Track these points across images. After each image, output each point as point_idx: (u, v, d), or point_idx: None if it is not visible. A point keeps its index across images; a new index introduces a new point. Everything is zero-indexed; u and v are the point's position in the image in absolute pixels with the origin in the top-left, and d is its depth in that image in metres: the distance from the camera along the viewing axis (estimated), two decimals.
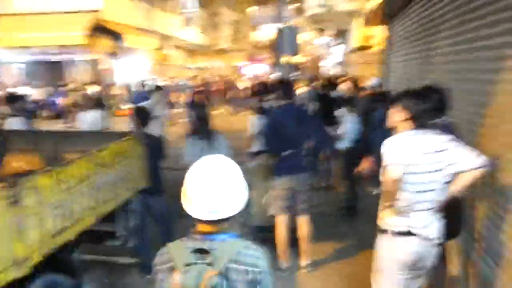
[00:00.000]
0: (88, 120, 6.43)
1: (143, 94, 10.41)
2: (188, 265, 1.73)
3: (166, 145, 4.68)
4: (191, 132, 4.70)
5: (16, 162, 4.44)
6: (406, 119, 2.91)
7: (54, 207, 2.92)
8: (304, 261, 4.88)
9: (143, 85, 20.64)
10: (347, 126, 6.26)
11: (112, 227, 4.03)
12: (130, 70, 28.52)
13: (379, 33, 20.33)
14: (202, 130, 4.68)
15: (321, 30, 36.24)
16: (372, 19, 10.40)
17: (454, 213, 3.23)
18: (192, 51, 42.99)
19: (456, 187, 2.86)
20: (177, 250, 1.81)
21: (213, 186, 1.78)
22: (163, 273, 1.80)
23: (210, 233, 1.81)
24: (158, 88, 8.55)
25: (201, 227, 1.84)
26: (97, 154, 3.47)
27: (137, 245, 4.42)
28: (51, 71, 24.46)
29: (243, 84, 25.45)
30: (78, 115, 7.07)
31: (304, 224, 4.85)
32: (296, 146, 4.63)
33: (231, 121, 16.63)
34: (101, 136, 4.57)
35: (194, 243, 1.79)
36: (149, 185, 4.36)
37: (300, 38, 33.55)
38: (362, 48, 22.41)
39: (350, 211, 6.35)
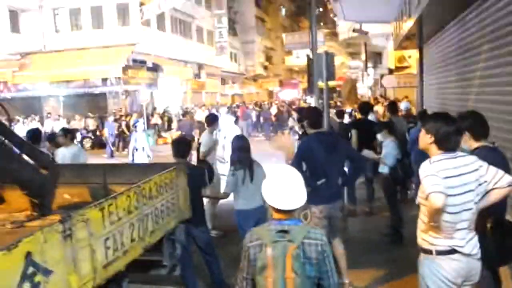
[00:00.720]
0: None
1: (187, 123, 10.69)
2: (274, 242, 2.43)
3: (206, 175, 4.77)
4: (233, 162, 4.78)
5: (66, 195, 4.62)
6: (431, 142, 2.96)
7: (104, 239, 3.02)
8: (346, 279, 4.90)
9: (185, 113, 21.08)
10: (388, 150, 6.21)
11: (158, 256, 4.11)
12: (168, 99, 29.27)
13: (413, 55, 20.25)
14: (244, 161, 4.75)
15: (354, 54, 36.34)
16: (405, 42, 10.35)
17: (507, 237, 3.19)
18: (227, 78, 43.78)
19: (486, 203, 2.96)
20: (264, 232, 2.51)
21: (290, 186, 2.58)
22: (255, 249, 2.48)
23: (285, 219, 2.53)
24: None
25: (279, 215, 2.55)
26: (143, 186, 3.58)
27: (183, 274, 4.49)
28: (92, 103, 25.39)
29: (275, 109, 25.55)
30: None
31: (338, 245, 4.91)
32: (329, 174, 4.68)
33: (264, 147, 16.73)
34: (146, 168, 4.71)
35: (275, 227, 2.49)
36: (192, 215, 4.44)
37: (338, 61, 33.56)
38: (397, 69, 22.29)
39: (395, 236, 6.22)
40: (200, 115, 23.54)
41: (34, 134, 6.60)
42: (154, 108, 26.42)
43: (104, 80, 24.72)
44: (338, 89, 30.07)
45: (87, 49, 24.50)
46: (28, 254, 2.31)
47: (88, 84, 25.07)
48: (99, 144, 19.92)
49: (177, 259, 4.23)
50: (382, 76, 20.07)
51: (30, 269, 2.33)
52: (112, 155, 17.75)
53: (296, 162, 4.78)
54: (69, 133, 6.88)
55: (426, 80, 9.12)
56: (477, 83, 5.17)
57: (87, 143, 19.94)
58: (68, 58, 23.88)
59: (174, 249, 4.20)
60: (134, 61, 25.33)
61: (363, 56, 22.07)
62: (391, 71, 22.26)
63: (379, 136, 6.49)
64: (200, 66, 35.18)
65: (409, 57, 22.30)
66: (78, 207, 4.24)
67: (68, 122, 21.20)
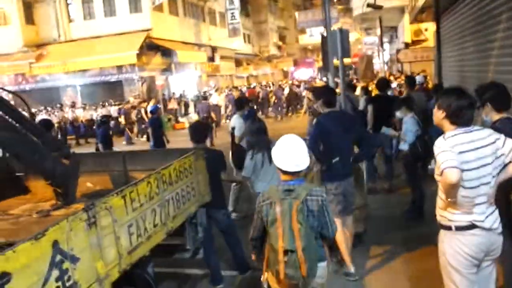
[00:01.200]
0: None
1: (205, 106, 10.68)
2: (282, 199, 2.97)
3: (224, 159, 4.78)
4: (251, 145, 4.79)
5: (88, 183, 4.70)
6: (443, 118, 2.93)
7: (128, 225, 3.08)
8: (351, 268, 4.79)
9: (204, 97, 21.11)
10: (407, 126, 6.13)
11: (181, 241, 4.17)
12: (184, 84, 29.33)
13: (430, 27, 19.80)
14: (261, 143, 4.76)
15: (369, 29, 35.67)
16: (421, 15, 10.12)
17: None
18: (241, 60, 43.58)
19: (504, 176, 2.91)
20: (274, 192, 3.04)
21: (295, 152, 3.07)
22: (267, 206, 3.03)
23: (292, 180, 3.06)
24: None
25: (286, 177, 3.08)
26: (162, 172, 3.62)
27: (206, 257, 4.56)
28: (108, 91, 25.59)
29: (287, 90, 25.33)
30: None
31: (349, 224, 4.93)
32: (343, 152, 4.72)
33: (277, 127, 16.74)
34: (165, 154, 4.76)
35: (282, 187, 3.03)
36: (212, 198, 4.49)
37: (352, 37, 33.01)
38: (413, 43, 21.84)
39: (416, 213, 6.18)
40: (215, 99, 23.58)
41: (46, 124, 6.70)
42: (173, 94, 26.47)
43: (119, 67, 24.85)
44: (354, 66, 29.73)
45: (101, 37, 24.62)
46: (55, 243, 2.37)
47: (104, 73, 25.25)
48: (117, 131, 20.10)
49: (199, 242, 4.29)
50: (398, 51, 19.73)
51: (58, 257, 2.39)
52: (130, 142, 17.94)
53: (313, 141, 4.79)
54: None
55: (444, 53, 8.93)
56: (496, 53, 5.05)
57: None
58: (83, 47, 24.05)
59: (196, 232, 4.26)
60: (148, 47, 25.35)
61: (378, 31, 21.67)
62: (407, 45, 21.87)
63: (398, 113, 6.40)
64: (214, 49, 35.03)
65: (426, 30, 21.86)
66: (101, 194, 4.33)
67: (95, 109, 21.51)
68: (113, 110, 20.34)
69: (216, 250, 4.80)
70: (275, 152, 3.10)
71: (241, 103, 7.43)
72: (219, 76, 37.66)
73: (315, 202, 2.97)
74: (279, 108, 23.92)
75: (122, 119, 19.14)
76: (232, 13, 35.11)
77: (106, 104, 22.26)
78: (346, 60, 29.71)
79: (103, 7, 26.01)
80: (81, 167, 4.61)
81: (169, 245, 4.06)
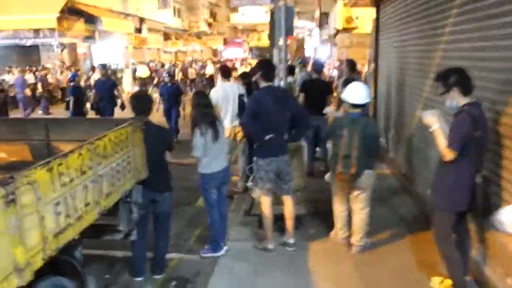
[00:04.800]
0: None
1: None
2: (349, 124, 4.45)
3: (171, 136, 4.32)
4: (197, 122, 4.38)
5: (1, 153, 4.07)
6: None
7: (54, 204, 2.59)
8: (291, 239, 4.87)
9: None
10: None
11: (112, 220, 3.71)
12: (108, 54, 27.69)
13: (365, 14, 20.16)
14: (209, 119, 4.39)
15: (301, 13, 35.95)
16: (359, 0, 10.14)
17: None
18: (168, 34, 42.08)
19: None
20: (344, 119, 4.61)
21: (363, 89, 4.58)
22: (339, 127, 4.51)
23: (356, 113, 4.52)
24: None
25: (353, 109, 4.52)
26: (97, 143, 3.13)
27: (134, 240, 4.13)
28: (25, 55, 23.49)
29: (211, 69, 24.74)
30: None
31: (289, 204, 4.83)
32: (278, 129, 4.58)
33: None
34: (95, 124, 4.22)
35: (351, 117, 4.50)
36: (155, 181, 4.05)
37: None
38: (345, 30, 22.20)
39: None
40: (141, 72, 22.56)
41: None
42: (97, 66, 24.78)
43: (36, 31, 22.80)
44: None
45: None
46: None
47: (19, 35, 23.05)
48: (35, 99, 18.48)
49: (134, 223, 3.85)
50: (335, 35, 19.91)
51: None
52: (47, 112, 16.58)
53: (247, 116, 4.54)
54: None
55: (382, 39, 8.98)
56: (445, 39, 5.03)
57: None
58: None
59: (131, 212, 3.81)
60: (70, 11, 23.50)
61: (317, 13, 21.78)
62: (338, 32, 22.19)
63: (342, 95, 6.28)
64: (142, 20, 33.43)
65: (357, 18, 22.31)
66: (17, 167, 3.73)
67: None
68: (29, 77, 18.64)
69: (146, 236, 4.35)
70: (348, 91, 4.56)
71: (228, 71, 6.90)
72: (146, 49, 36.10)
73: (370, 130, 4.49)
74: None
75: (39, 87, 17.58)
76: None
77: (13, 69, 20.22)
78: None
79: None
80: None
81: (98, 225, 3.58)
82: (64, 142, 4.12)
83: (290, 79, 7.89)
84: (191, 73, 25.50)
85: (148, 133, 3.98)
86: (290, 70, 11.05)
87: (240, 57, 42.10)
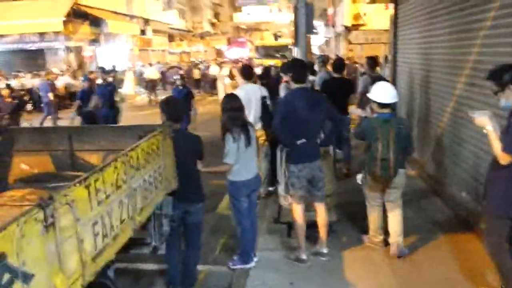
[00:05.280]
0: None
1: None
2: (382, 126, 4.30)
3: (202, 144, 4.08)
4: (228, 126, 4.15)
5: (23, 165, 3.86)
6: None
7: (92, 224, 2.38)
8: (325, 248, 4.64)
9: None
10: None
11: (143, 234, 3.49)
12: (113, 57, 27.53)
13: (372, 11, 19.89)
14: (241, 123, 4.16)
15: None
16: None
17: None
18: (173, 35, 41.90)
19: None
20: (376, 120, 4.37)
21: (391, 89, 4.48)
22: (373, 129, 4.34)
23: (387, 113, 4.36)
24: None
25: (383, 110, 4.35)
26: (130, 154, 2.91)
27: (167, 254, 3.92)
28: (30, 59, 23.33)
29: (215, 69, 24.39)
30: None
31: (322, 212, 4.61)
32: (310, 133, 4.38)
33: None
34: (120, 132, 4.00)
35: (382, 118, 4.33)
36: (188, 190, 3.82)
37: (286, 19, 32.62)
38: (353, 27, 21.93)
39: None
40: (150, 73, 22.36)
41: None
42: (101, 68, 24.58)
43: (42, 35, 22.66)
44: (290, 47, 29.50)
45: (22, 0, 22.28)
46: (2, 257, 1.66)
47: (24, 40, 22.91)
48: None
49: (165, 237, 3.63)
50: (338, 34, 19.62)
51: (6, 277, 1.68)
52: (56, 116, 16.37)
53: (278, 120, 4.33)
54: None
55: (402, 36, 8.73)
56: (482, 34, 4.78)
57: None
58: (1, 10, 21.59)
59: (161, 225, 3.59)
60: (75, 14, 23.34)
61: (330, 11, 21.55)
62: (347, 29, 21.92)
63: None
64: (146, 22, 33.28)
65: (365, 14, 22.05)
66: (40, 179, 3.53)
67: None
68: (38, 82, 18.47)
69: (180, 248, 4.13)
70: (376, 91, 4.40)
71: (250, 72, 6.54)
72: (151, 51, 35.93)
73: (404, 131, 4.37)
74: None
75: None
76: None
77: (20, 74, 20.06)
78: (283, 41, 29.45)
79: None
80: (15, 144, 3.79)
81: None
82: (88, 152, 3.92)
83: (311, 78, 7.64)
84: (195, 74, 25.26)
85: (178, 141, 3.75)
86: (311, 69, 10.82)
87: (245, 57, 41.89)
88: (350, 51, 23.13)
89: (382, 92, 4.35)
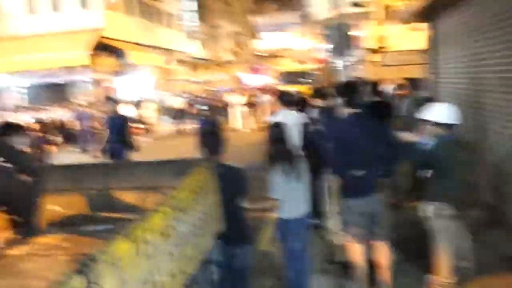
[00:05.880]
0: None
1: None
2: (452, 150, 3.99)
3: (248, 179, 3.69)
4: (275, 159, 3.75)
5: (56, 206, 3.51)
6: None
7: (141, 283, 1.97)
8: None
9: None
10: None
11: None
12: (137, 87, 27.72)
13: (395, 32, 19.51)
14: (289, 156, 3.76)
15: (327, 36, 35.51)
16: (411, 16, 9.49)
17: None
18: (195, 64, 42.26)
19: None
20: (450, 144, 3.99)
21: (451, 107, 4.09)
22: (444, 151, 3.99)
23: (450, 135, 4.01)
24: None
25: (444, 131, 3.99)
26: (178, 195, 2.53)
27: None
28: (55, 93, 23.58)
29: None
30: None
31: (384, 251, 4.11)
32: (368, 163, 3.92)
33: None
34: (158, 167, 3.64)
35: (450, 139, 4.04)
36: (235, 230, 3.41)
37: (306, 45, 32.68)
38: (376, 51, 21.54)
39: None
40: (176, 102, 22.34)
41: (8, 126, 4.58)
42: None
43: (68, 68, 22.90)
44: (315, 72, 29.25)
45: (48, 35, 22.66)
46: None
47: (51, 74, 23.20)
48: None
49: (215, 286, 3.20)
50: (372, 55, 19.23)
51: None
52: (85, 149, 16.31)
53: (332, 148, 3.90)
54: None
55: (442, 55, 8.29)
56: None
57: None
58: (28, 45, 21.95)
59: (211, 273, 3.17)
60: (100, 47, 23.60)
61: (359, 33, 21.30)
62: (373, 51, 21.52)
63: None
64: (170, 52, 33.60)
65: (388, 37, 21.66)
66: (75, 222, 3.16)
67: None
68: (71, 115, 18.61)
69: None
70: (437, 111, 4.04)
71: (289, 98, 6.24)
72: (174, 81, 36.18)
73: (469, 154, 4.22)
74: None
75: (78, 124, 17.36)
76: (189, 16, 33.90)
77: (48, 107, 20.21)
78: (301, 66, 29.20)
79: (49, 1, 23.99)
80: (46, 184, 3.45)
81: None
82: (126, 191, 3.55)
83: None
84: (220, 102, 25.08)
85: (222, 176, 3.36)
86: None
87: (267, 83, 41.81)
88: (375, 75, 22.76)
89: (447, 113, 3.96)
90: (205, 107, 10.48)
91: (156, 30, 31.28)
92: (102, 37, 23.62)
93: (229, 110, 20.94)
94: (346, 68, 25.12)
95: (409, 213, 6.40)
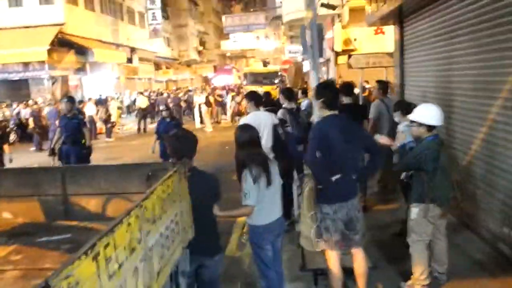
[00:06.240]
0: None
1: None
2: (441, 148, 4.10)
3: (219, 185, 3.47)
4: (246, 164, 3.54)
5: (6, 213, 3.19)
6: None
7: None
8: None
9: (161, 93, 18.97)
10: (402, 135, 5.22)
11: None
12: (100, 86, 26.92)
13: (363, 35, 19.70)
14: (260, 160, 3.56)
15: (294, 37, 35.59)
16: (378, 20, 9.49)
17: None
18: (159, 63, 41.56)
19: None
20: (434, 144, 4.06)
21: (438, 111, 4.11)
22: (433, 152, 4.04)
23: (436, 134, 4.10)
24: None
25: (432, 133, 4.06)
26: (145, 204, 2.28)
27: None
28: (14, 90, 22.58)
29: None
30: None
31: (361, 258, 3.97)
32: (346, 167, 3.79)
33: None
34: (122, 171, 3.36)
35: (437, 140, 4.09)
36: (205, 239, 3.18)
37: (272, 46, 32.82)
38: (343, 52, 21.71)
39: None
40: (140, 101, 21.77)
41: None
42: (89, 99, 23.73)
43: (26, 64, 21.96)
44: (281, 73, 29.27)
45: (4, 30, 21.69)
46: None
47: (7, 69, 22.19)
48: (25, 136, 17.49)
49: None
50: (328, 60, 19.30)
51: None
52: (40, 147, 15.63)
53: (313, 152, 3.76)
54: None
55: (408, 59, 8.31)
56: (496, 55, 4.36)
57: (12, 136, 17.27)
58: None
59: (177, 285, 2.93)
60: (60, 43, 22.76)
61: (329, 34, 21.38)
62: (337, 54, 21.67)
63: (396, 118, 5.50)
64: (133, 50, 32.86)
65: (355, 39, 21.85)
66: (28, 232, 2.87)
67: None
68: (24, 112, 17.78)
69: None
70: (424, 112, 4.04)
71: (260, 98, 6.11)
72: (137, 79, 35.42)
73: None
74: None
75: (31, 122, 16.60)
76: (153, 13, 33.31)
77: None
78: (272, 67, 29.24)
79: None
80: None
81: None
82: (85, 197, 3.26)
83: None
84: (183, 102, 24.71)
85: (193, 182, 3.13)
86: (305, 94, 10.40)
87: (230, 84, 41.60)
88: (339, 77, 22.90)
89: (432, 113, 3.96)
90: (163, 107, 10.09)
91: (119, 27, 30.51)
92: (62, 33, 22.83)
93: (193, 109, 20.68)
94: (314, 69, 25.23)
95: (377, 216, 6.41)
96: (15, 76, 22.34)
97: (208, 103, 20.61)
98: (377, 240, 5.39)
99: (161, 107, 11.23)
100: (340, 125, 3.78)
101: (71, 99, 8.71)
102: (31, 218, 3.17)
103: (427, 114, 4.02)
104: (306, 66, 37.68)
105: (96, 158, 9.58)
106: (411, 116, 4.16)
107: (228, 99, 23.37)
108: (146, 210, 2.26)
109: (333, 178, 3.68)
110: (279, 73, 29.52)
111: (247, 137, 3.67)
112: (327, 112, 3.90)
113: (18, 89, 22.63)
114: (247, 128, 3.85)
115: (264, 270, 3.72)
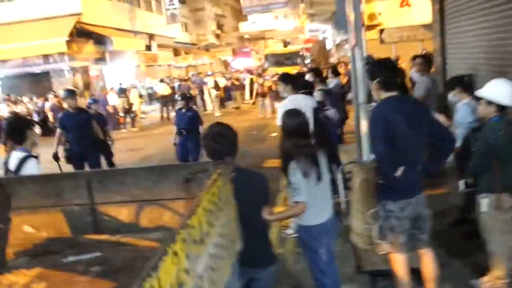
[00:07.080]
0: None
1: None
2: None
3: (268, 186, 3.02)
4: (293, 156, 3.07)
5: (26, 226, 2.80)
6: None
7: None
8: None
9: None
10: (461, 115, 4.66)
11: None
12: (120, 75, 26.66)
13: (387, 9, 18.82)
14: (310, 153, 3.09)
15: (314, 15, 34.66)
16: None
17: None
18: (179, 49, 41.10)
19: None
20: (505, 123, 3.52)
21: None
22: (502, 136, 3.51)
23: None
24: None
25: (499, 113, 3.52)
26: (190, 222, 1.83)
27: None
28: (35, 83, 22.49)
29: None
30: None
31: (430, 260, 3.46)
32: (412, 158, 3.25)
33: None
34: (159, 175, 2.91)
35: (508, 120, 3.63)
36: (256, 250, 2.74)
37: (291, 25, 32.06)
38: (368, 28, 20.86)
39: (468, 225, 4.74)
40: (161, 89, 21.48)
41: None
42: (111, 88, 23.42)
43: (46, 57, 21.78)
44: (303, 53, 28.54)
45: (23, 23, 21.49)
46: None
47: (28, 63, 22.06)
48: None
49: None
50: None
51: None
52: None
53: (382, 142, 3.23)
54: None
55: (453, 29, 7.64)
56: None
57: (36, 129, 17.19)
58: (2, 33, 20.78)
59: None
60: (79, 33, 22.48)
61: (352, 15, 20.50)
62: (368, 29, 20.83)
63: (450, 96, 4.93)
64: (151, 37, 32.45)
65: (379, 14, 20.98)
66: (52, 250, 2.44)
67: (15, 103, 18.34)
68: (47, 106, 17.63)
69: None
70: (498, 90, 3.43)
71: (298, 81, 5.75)
72: (157, 66, 35.08)
73: None
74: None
75: (50, 116, 16.44)
76: None
77: (20, 99, 19.19)
78: (296, 47, 28.60)
79: None
80: (14, 200, 2.76)
81: None
82: (114, 206, 2.84)
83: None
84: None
85: (239, 184, 2.66)
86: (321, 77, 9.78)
87: (251, 66, 40.89)
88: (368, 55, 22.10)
89: (507, 91, 3.36)
90: (177, 96, 9.31)
91: (136, 14, 30.10)
92: (80, 22, 22.53)
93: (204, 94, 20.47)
94: (359, 44, 24.38)
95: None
96: (36, 69, 22.22)
97: (217, 87, 20.29)
98: (433, 231, 4.88)
99: (176, 96, 10.48)
100: (404, 109, 3.25)
101: (71, 91, 7.96)
102: (55, 232, 2.77)
103: (502, 92, 3.44)
104: (329, 44, 36.79)
105: (117, 149, 9.32)
106: (480, 92, 3.59)
107: (246, 82, 22.88)
108: (193, 229, 1.81)
109: (398, 172, 3.17)
110: (300, 53, 28.78)
111: (295, 124, 3.21)
112: (384, 94, 3.38)
113: (40, 82, 22.52)
114: (295, 113, 3.36)
115: (320, 278, 3.28)
